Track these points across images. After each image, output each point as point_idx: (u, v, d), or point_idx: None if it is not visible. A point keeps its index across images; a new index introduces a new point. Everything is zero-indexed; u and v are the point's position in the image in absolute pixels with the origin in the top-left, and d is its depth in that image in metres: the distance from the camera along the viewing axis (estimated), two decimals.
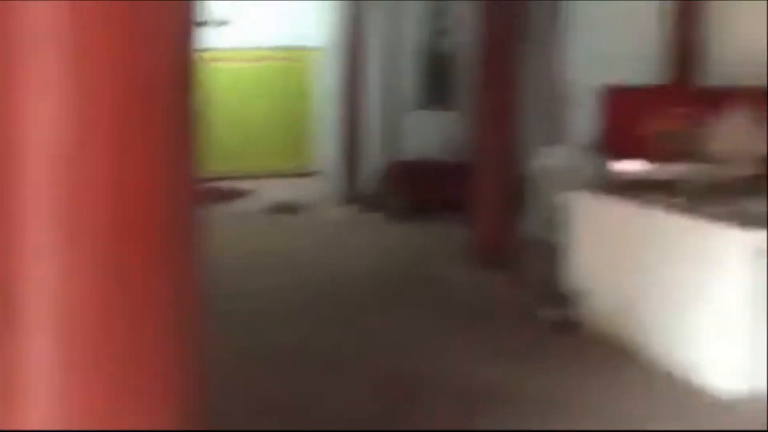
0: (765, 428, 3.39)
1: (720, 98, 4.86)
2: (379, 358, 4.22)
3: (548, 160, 7.14)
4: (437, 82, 8.98)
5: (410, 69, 8.86)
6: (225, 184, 8.29)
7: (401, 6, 8.37)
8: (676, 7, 6.24)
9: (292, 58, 9.49)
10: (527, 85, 9.06)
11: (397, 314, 4.96)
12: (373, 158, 8.43)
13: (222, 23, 7.61)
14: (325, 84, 8.87)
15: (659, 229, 4.09)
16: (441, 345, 4.40)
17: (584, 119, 6.86)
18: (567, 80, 8.60)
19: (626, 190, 4.93)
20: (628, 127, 5.51)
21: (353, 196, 8.44)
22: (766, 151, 4.17)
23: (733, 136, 4.21)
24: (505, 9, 5.67)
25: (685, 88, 5.84)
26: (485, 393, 3.76)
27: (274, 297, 5.31)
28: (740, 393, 3.67)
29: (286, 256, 6.48)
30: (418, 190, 7.70)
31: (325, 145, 8.91)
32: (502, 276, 5.55)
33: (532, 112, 9.12)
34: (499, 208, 5.71)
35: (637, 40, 6.96)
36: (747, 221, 3.76)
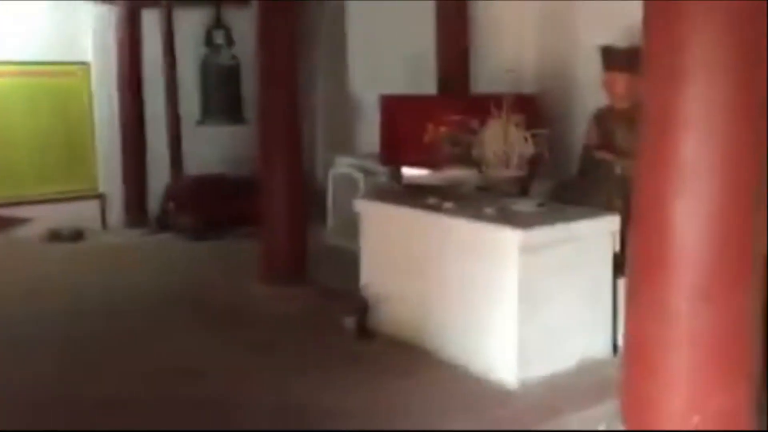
0: (545, 414, 3.63)
1: (483, 105, 5.17)
2: (176, 384, 4.03)
3: (342, 168, 7.26)
4: (224, 96, 8.81)
5: (193, 83, 8.61)
6: None
7: (176, 17, 8.09)
8: (445, 18, 6.55)
9: (69, 72, 8.83)
10: (318, 94, 9.24)
11: (190, 337, 4.77)
12: (160, 177, 8.09)
13: None
14: (103, 100, 8.37)
15: (437, 231, 4.26)
16: (242, 366, 4.28)
17: (373, 127, 7.02)
18: (353, 89, 8.83)
19: (408, 195, 5.10)
20: (406, 135, 5.72)
21: (141, 217, 8.05)
22: (529, 153, 4.48)
23: (498, 140, 4.48)
24: (283, 18, 5.64)
25: (458, 95, 6.13)
26: (295, 409, 3.71)
27: (45, 324, 5.00)
28: (523, 381, 3.91)
29: (64, 283, 6.05)
30: (208, 208, 7.49)
31: (108, 165, 8.40)
32: (300, 289, 5.52)
33: (326, 121, 9.29)
34: (290, 221, 5.67)
35: (413, 49, 7.27)
36: (515, 220, 4.02)
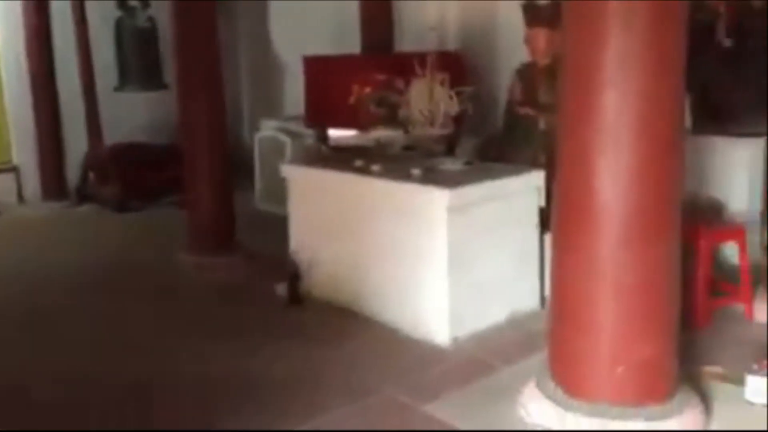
0: (477, 370, 3.68)
1: (408, 64, 5.12)
2: (102, 361, 3.93)
3: (268, 132, 7.13)
4: (141, 60, 8.50)
5: (109, 47, 8.27)
6: None
7: None
8: None
9: None
10: (241, 56, 9.01)
11: (116, 311, 4.64)
12: (78, 147, 7.78)
13: None
14: (12, 68, 7.94)
15: (365, 193, 4.23)
16: (169, 338, 4.20)
17: (299, 89, 6.89)
18: (277, 50, 8.65)
19: (336, 158, 5.06)
20: (331, 96, 5.65)
21: (59, 189, 7.75)
22: (454, 111, 4.47)
23: (424, 98, 4.45)
24: None
25: (382, 55, 6.07)
26: (229, 380, 3.66)
27: None
28: (456, 339, 3.95)
29: None
30: (131, 178, 7.26)
31: (21, 136, 8.02)
32: (228, 258, 5.43)
33: (251, 83, 9.09)
34: (215, 188, 5.53)
35: (337, 8, 7.15)
36: (442, 180, 4.02)
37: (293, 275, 4.56)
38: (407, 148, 4.78)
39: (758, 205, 4.95)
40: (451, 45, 6.66)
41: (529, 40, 5.09)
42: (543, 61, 5.07)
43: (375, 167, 4.27)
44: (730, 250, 4.50)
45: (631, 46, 2.84)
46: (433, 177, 4.06)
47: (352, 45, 6.65)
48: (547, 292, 4.48)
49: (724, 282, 4.37)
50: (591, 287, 3.05)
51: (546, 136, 4.94)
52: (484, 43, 6.59)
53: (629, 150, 2.91)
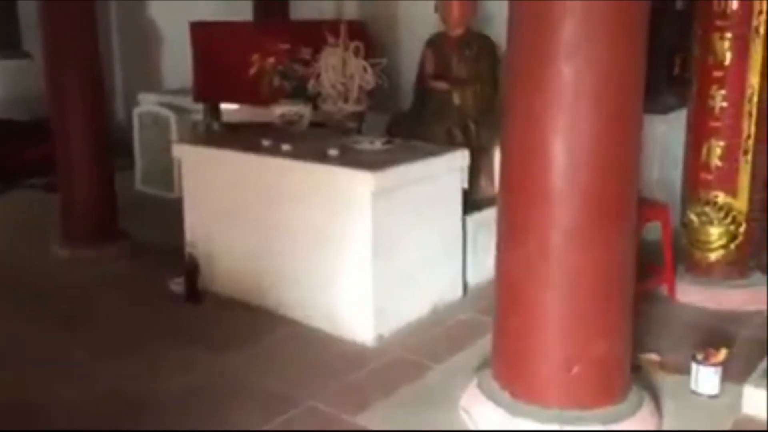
0: (408, 372, 3.34)
1: (315, 32, 4.68)
2: None
3: (148, 106, 6.45)
4: None
5: None
6: None
7: None
8: None
9: None
10: (111, 22, 8.17)
11: None
12: None
13: None
14: None
15: (273, 176, 3.76)
16: (46, 352, 3.54)
17: (181, 59, 6.23)
18: (155, 20, 7.90)
19: (233, 136, 4.54)
20: (225, 67, 5.10)
21: None
22: (370, 85, 4.07)
23: (337, 70, 4.02)
24: None
25: (279, 22, 5.56)
26: (119, 401, 3.10)
27: None
28: (380, 336, 3.59)
29: None
30: None
31: None
32: (111, 249, 4.79)
33: (124, 53, 8.27)
34: (93, 169, 4.87)
35: None
36: (364, 161, 3.62)
37: (190, 268, 4.03)
38: (315, 125, 4.33)
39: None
40: (348, 14, 6.24)
41: (440, 9, 4.74)
42: (456, 31, 4.75)
43: (285, 146, 3.80)
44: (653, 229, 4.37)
45: (591, 10, 2.53)
46: (352, 158, 3.65)
47: (243, 13, 6.07)
48: (470, 279, 4.24)
49: (648, 264, 4.23)
50: (541, 277, 2.75)
51: (460, 112, 4.65)
52: (384, 13, 6.20)
53: (585, 127, 2.62)
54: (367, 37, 5.43)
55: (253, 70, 4.29)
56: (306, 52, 4.26)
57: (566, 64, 2.58)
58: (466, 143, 4.45)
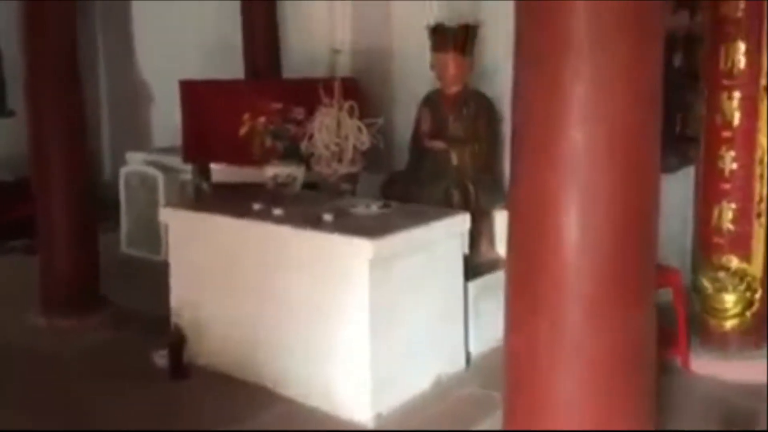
0: None
1: (308, 91, 4.54)
2: None
3: (136, 166, 6.27)
4: None
5: None
6: None
7: None
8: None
9: None
10: (101, 81, 8.05)
11: None
12: None
13: None
14: None
15: (264, 243, 3.56)
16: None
17: (170, 118, 6.07)
18: (144, 78, 7.78)
19: (223, 198, 4.35)
20: (215, 126, 4.94)
21: None
22: (365, 146, 3.90)
23: (331, 130, 3.85)
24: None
25: (273, 81, 5.42)
26: None
27: None
28: (379, 415, 3.34)
29: None
30: None
31: None
32: (92, 318, 4.52)
33: (112, 112, 8.13)
34: (74, 231, 4.65)
35: (214, 30, 6.43)
36: (361, 227, 3.42)
37: (176, 341, 3.79)
38: (308, 186, 4.15)
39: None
40: (341, 70, 6.12)
41: (436, 66, 4.61)
42: (452, 88, 4.62)
43: (277, 211, 3.60)
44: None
45: (605, 73, 2.37)
46: (348, 223, 3.45)
47: (232, 71, 5.93)
48: (473, 348, 4.01)
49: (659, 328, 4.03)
50: (555, 358, 2.53)
51: (458, 172, 4.49)
52: (378, 70, 6.09)
53: (602, 194, 2.43)
54: (361, 95, 5.30)
55: (244, 130, 4.13)
56: (298, 112, 4.11)
57: (580, 126, 2.41)
58: (465, 205, 4.28)
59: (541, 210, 2.50)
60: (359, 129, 3.86)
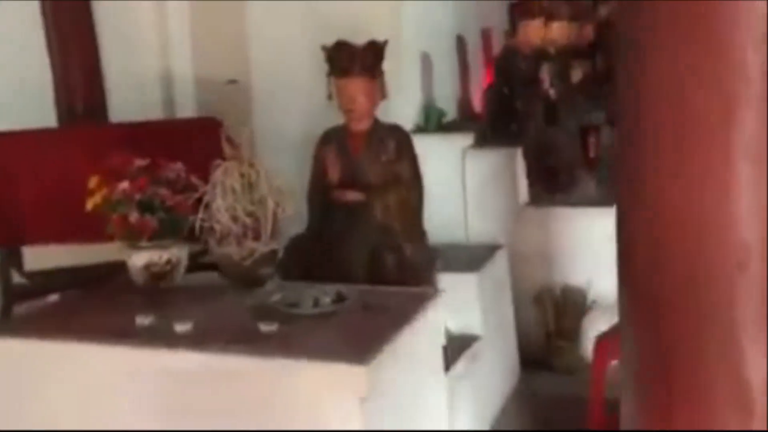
0: None
1: (170, 137, 3.30)
2: None
3: None
4: None
5: None
6: None
7: None
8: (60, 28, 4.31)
9: None
10: None
11: None
12: None
13: None
14: None
15: (176, 386, 2.25)
16: None
17: None
18: None
19: (69, 307, 2.94)
20: (36, 195, 3.47)
21: None
22: (287, 213, 2.73)
23: (238, 195, 2.64)
24: None
25: (116, 126, 4.01)
26: None
27: None
28: None
29: None
30: None
31: None
32: None
33: None
34: None
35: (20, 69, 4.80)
36: (322, 341, 2.25)
37: None
38: (203, 266, 2.90)
39: None
40: (180, 109, 4.85)
41: (339, 96, 3.54)
42: (363, 123, 3.58)
43: (180, 325, 2.31)
44: None
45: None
46: (304, 336, 2.25)
47: (39, 118, 4.40)
48: None
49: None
50: None
51: (385, 229, 3.44)
52: (232, 107, 4.87)
53: None
54: (230, 141, 4.08)
55: (93, 202, 2.78)
56: (172, 169, 2.85)
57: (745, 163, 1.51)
58: (400, 272, 3.28)
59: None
60: (278, 190, 2.69)
